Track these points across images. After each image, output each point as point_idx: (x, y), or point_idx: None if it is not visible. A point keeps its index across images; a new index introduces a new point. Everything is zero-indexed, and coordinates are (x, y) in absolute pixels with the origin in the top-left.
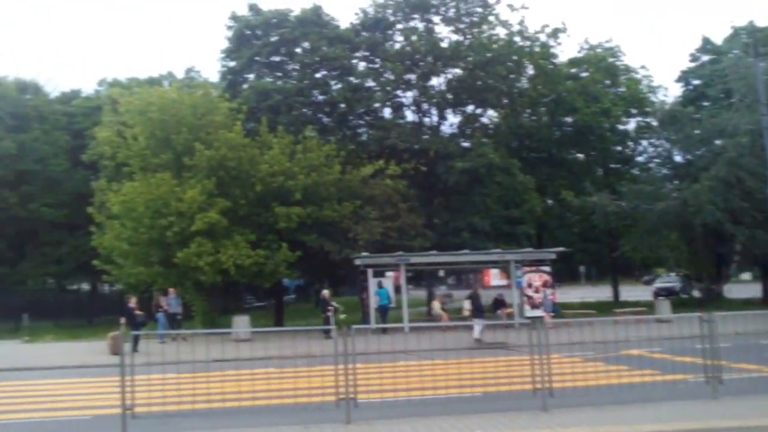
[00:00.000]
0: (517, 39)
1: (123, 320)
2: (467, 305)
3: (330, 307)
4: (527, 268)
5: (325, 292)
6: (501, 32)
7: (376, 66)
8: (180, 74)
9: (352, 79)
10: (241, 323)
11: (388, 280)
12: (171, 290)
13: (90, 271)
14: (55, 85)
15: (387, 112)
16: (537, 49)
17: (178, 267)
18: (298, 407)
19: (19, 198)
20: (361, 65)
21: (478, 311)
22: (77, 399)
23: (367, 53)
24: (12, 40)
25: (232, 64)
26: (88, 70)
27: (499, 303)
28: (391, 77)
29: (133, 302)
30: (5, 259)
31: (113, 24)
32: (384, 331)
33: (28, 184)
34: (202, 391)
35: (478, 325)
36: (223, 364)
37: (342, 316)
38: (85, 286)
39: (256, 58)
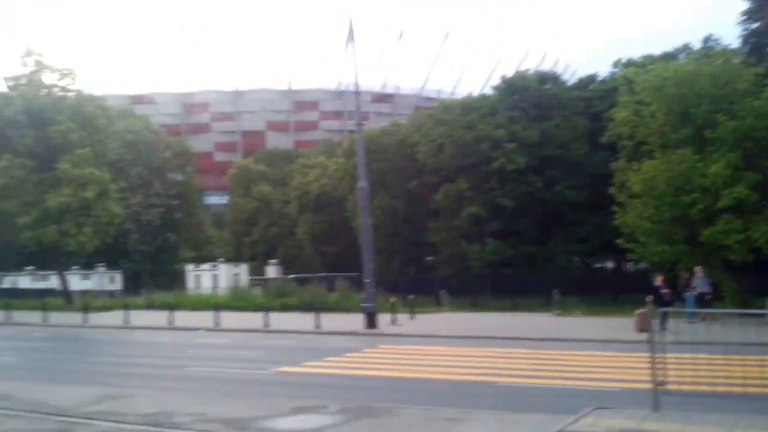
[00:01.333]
0: None
1: (649, 298)
2: None
3: None
4: None
5: None
6: None
7: None
8: (697, 45)
9: None
10: None
11: None
12: (697, 269)
13: (613, 250)
14: (572, 73)
15: None
16: None
17: (703, 245)
18: None
19: (544, 182)
20: None
21: None
22: (605, 371)
23: None
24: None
25: (754, 25)
26: (603, 54)
27: None
28: None
29: (659, 281)
30: (534, 238)
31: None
32: None
33: (551, 168)
34: (737, 374)
35: None
36: (762, 347)
37: None
38: (609, 264)
39: None
